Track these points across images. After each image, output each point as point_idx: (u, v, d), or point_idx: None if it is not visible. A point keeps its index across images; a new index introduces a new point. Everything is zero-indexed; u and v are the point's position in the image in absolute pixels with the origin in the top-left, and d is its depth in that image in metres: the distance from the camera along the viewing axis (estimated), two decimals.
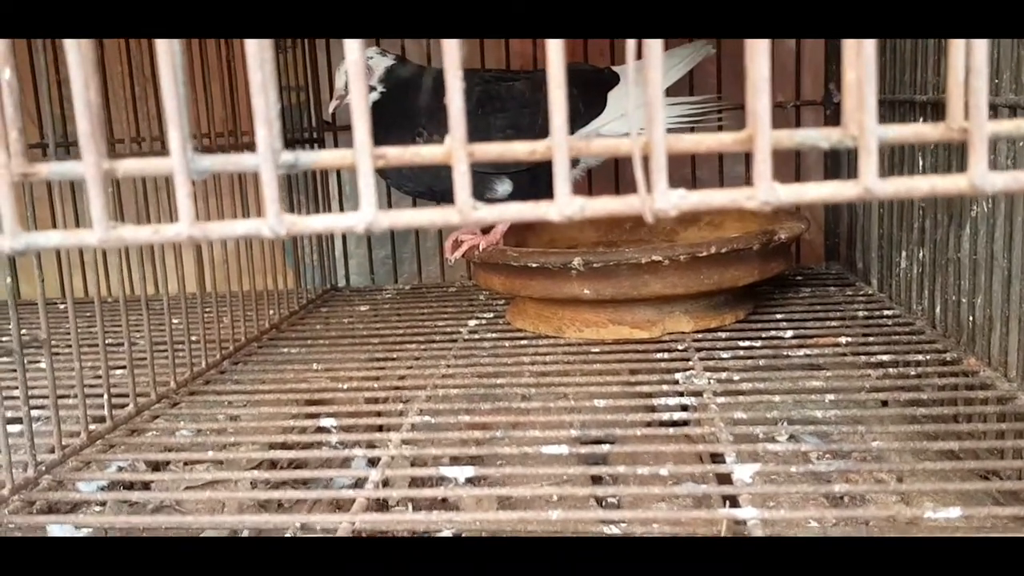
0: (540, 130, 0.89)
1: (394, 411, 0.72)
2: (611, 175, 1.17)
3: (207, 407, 0.75)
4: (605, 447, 0.63)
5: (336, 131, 1.16)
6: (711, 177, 1.19)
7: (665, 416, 0.68)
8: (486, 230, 0.96)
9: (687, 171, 1.18)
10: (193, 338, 0.83)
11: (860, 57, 0.31)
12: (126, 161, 0.37)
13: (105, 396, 0.67)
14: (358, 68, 0.34)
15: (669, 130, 0.95)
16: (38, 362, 0.87)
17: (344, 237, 1.19)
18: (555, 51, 0.34)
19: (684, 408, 0.71)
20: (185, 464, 0.67)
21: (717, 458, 0.62)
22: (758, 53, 0.31)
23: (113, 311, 0.97)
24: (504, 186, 0.91)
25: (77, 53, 0.34)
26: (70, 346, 0.65)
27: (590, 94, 0.92)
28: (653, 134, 0.33)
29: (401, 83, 0.91)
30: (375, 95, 0.92)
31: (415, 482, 0.65)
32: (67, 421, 0.67)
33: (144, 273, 0.77)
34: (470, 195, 0.35)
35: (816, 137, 0.34)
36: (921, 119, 0.85)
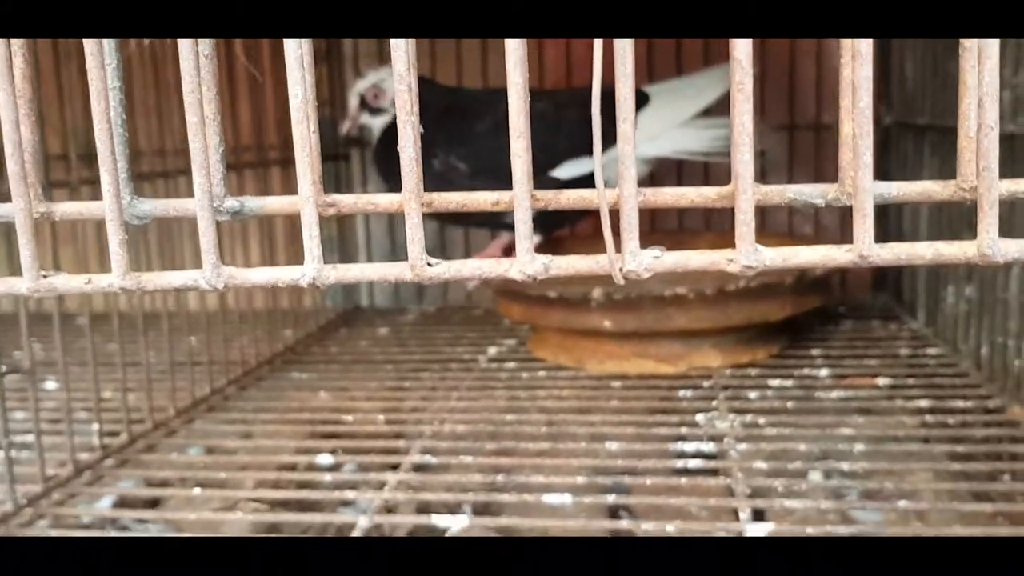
0: (563, 150, 0.85)
1: (396, 448, 0.68)
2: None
3: (203, 437, 0.72)
4: (610, 497, 0.59)
5: (363, 147, 1.14)
6: None
7: (679, 464, 0.64)
8: (508, 252, 0.92)
9: None
10: (206, 359, 0.81)
11: (856, 109, 0.27)
12: (63, 205, 0.34)
13: (96, 425, 0.65)
14: (299, 101, 0.30)
15: (706, 155, 0.92)
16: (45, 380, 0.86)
17: (369, 254, 1.16)
18: (516, 89, 0.31)
19: (702, 455, 0.66)
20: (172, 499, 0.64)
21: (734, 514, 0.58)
22: (740, 104, 0.27)
23: (131, 328, 0.95)
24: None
25: (8, 90, 0.31)
26: (83, 365, 0.64)
27: (615, 115, 0.87)
28: (623, 190, 0.30)
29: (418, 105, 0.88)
30: (387, 117, 0.89)
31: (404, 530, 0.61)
32: (55, 450, 0.65)
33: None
34: (423, 250, 0.32)
35: (810, 193, 0.30)
36: None
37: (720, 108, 1.01)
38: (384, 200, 0.32)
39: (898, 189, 0.29)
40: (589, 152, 0.89)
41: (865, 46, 0.27)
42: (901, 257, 0.27)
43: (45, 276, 0.33)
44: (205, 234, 0.31)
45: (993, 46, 0.26)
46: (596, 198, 0.30)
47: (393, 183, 0.90)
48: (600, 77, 0.26)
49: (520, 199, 0.29)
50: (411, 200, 0.30)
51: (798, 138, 1.10)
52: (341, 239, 1.13)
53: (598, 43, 0.26)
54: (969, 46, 0.27)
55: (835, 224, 1.10)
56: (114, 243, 0.32)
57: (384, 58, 1.09)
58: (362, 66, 1.10)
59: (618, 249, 0.29)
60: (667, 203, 0.30)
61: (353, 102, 0.90)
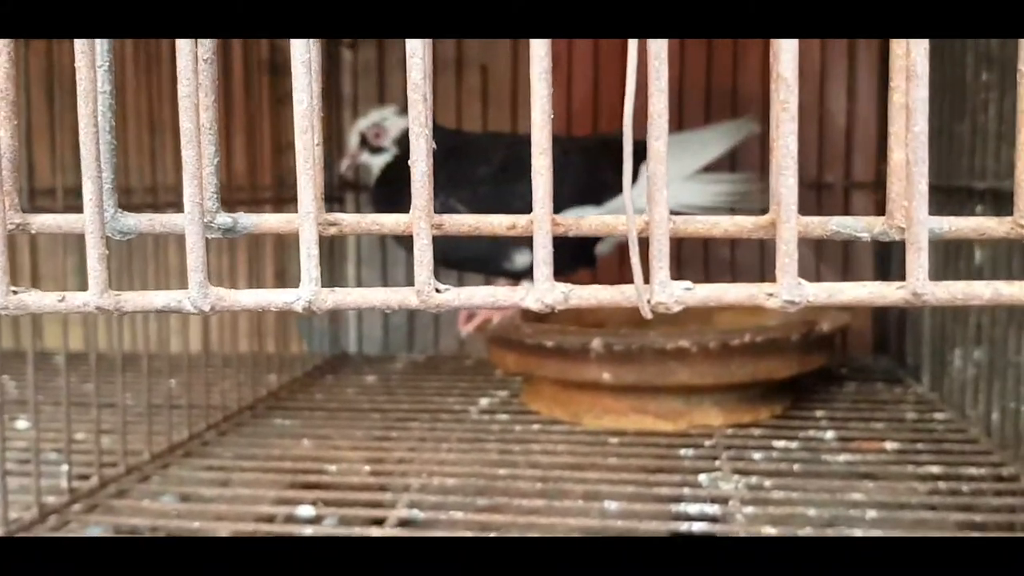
0: (567, 197, 0.83)
1: (381, 502, 0.65)
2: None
3: (178, 484, 0.69)
4: None
5: (358, 191, 1.12)
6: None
7: (683, 526, 0.60)
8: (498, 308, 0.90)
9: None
10: (185, 403, 0.78)
11: (910, 133, 0.24)
12: (40, 216, 0.31)
13: (65, 467, 0.62)
14: (305, 108, 0.28)
15: (707, 210, 0.90)
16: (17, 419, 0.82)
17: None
18: (540, 102, 0.28)
19: (705, 518, 0.63)
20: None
21: None
22: (784, 124, 0.25)
23: (109, 369, 0.91)
24: (524, 257, 0.85)
25: None
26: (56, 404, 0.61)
27: (622, 165, 0.85)
28: (654, 214, 0.27)
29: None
30: (387, 156, 0.87)
31: None
32: (23, 492, 0.61)
33: (145, 328, 0.72)
34: (431, 274, 0.29)
35: (854, 226, 0.27)
36: (980, 207, 0.78)
37: (722, 164, 1.00)
38: (390, 220, 0.30)
39: (950, 224, 0.26)
40: (593, 200, 0.87)
41: (921, 65, 0.24)
42: (957, 296, 0.25)
43: (15, 292, 0.30)
44: (193, 250, 0.28)
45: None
46: (621, 224, 0.28)
47: None
48: (634, 84, 0.24)
49: (540, 221, 0.27)
50: (421, 219, 0.27)
51: (801, 197, 1.08)
52: (329, 251, 1.10)
53: (632, 46, 0.24)
54: None
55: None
56: (92, 258, 0.29)
57: (384, 99, 1.07)
58: (361, 107, 1.08)
59: (646, 280, 0.26)
60: (699, 232, 0.27)
61: (353, 140, 0.88)
